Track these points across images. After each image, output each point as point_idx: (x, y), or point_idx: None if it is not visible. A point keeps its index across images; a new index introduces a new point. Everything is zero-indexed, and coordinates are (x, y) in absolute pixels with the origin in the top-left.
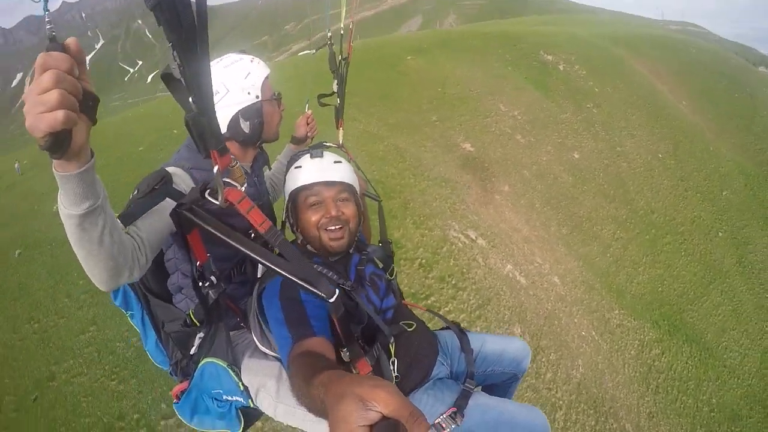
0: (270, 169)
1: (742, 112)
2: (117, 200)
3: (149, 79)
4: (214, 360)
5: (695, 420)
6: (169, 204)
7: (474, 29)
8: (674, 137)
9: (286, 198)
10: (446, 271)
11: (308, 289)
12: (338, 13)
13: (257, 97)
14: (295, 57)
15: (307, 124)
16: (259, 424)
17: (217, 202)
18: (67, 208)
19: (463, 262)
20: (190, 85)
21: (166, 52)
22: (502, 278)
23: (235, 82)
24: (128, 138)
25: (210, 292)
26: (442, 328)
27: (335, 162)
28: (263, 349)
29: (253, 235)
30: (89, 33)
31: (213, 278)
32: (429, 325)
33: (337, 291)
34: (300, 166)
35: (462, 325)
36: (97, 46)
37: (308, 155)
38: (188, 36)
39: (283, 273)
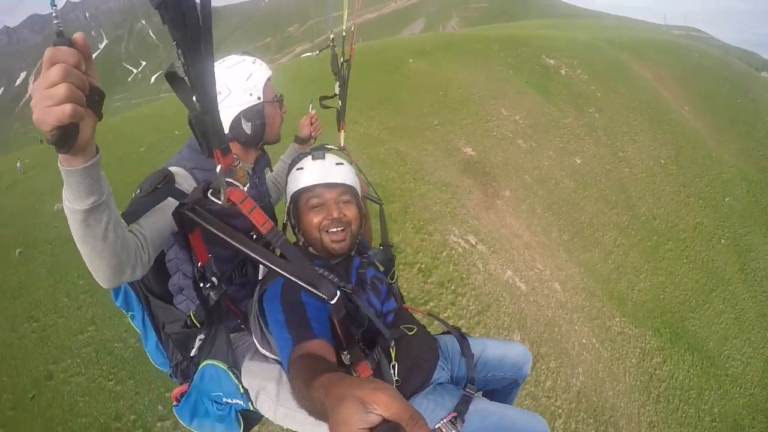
0: (272, 171)
1: (745, 117)
2: (117, 201)
3: (152, 80)
4: (215, 362)
5: (697, 430)
6: (171, 203)
7: (476, 33)
8: (676, 143)
9: (288, 200)
10: (446, 277)
11: (309, 290)
12: (341, 16)
13: (259, 98)
14: (297, 59)
15: (311, 124)
16: (256, 428)
17: (220, 202)
18: (72, 203)
19: (463, 268)
20: (194, 84)
21: (170, 52)
22: (502, 284)
23: (237, 83)
24: (129, 138)
25: (211, 293)
26: (443, 333)
27: (337, 164)
28: (263, 351)
29: (254, 236)
30: (93, 33)
31: (214, 279)
32: (429, 330)
33: (338, 293)
34: (302, 168)
35: (462, 330)
36: (101, 46)
37: (310, 157)
38: (193, 35)
39: (285, 274)
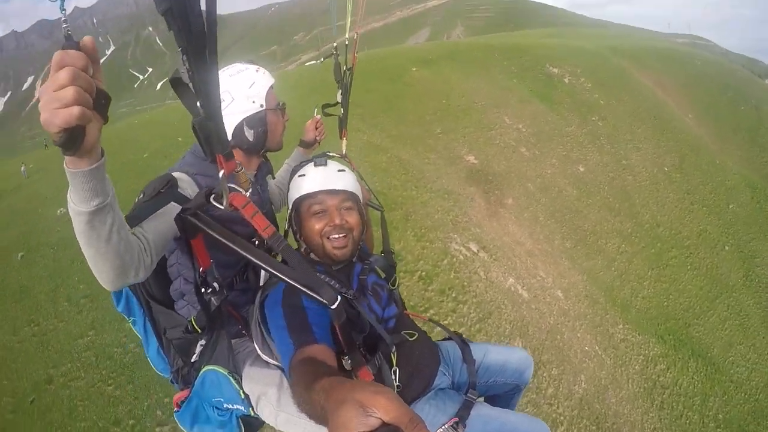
0: (274, 178)
1: (748, 124)
2: (121, 206)
3: (159, 87)
4: (216, 368)
5: None
6: (174, 207)
7: (480, 41)
8: (680, 150)
9: (290, 206)
10: (446, 284)
11: (310, 295)
12: (345, 25)
13: (261, 106)
14: (301, 67)
15: (316, 128)
16: None
17: (222, 207)
18: (77, 205)
19: (464, 276)
20: (198, 90)
21: (177, 59)
22: (504, 292)
23: (240, 90)
24: (133, 144)
25: (212, 298)
26: (444, 339)
27: (339, 170)
28: (264, 357)
29: (256, 242)
30: (100, 39)
31: (215, 284)
32: (431, 336)
33: (339, 298)
34: (304, 175)
35: (464, 335)
36: (108, 52)
37: (312, 164)
38: (198, 41)
39: (286, 279)
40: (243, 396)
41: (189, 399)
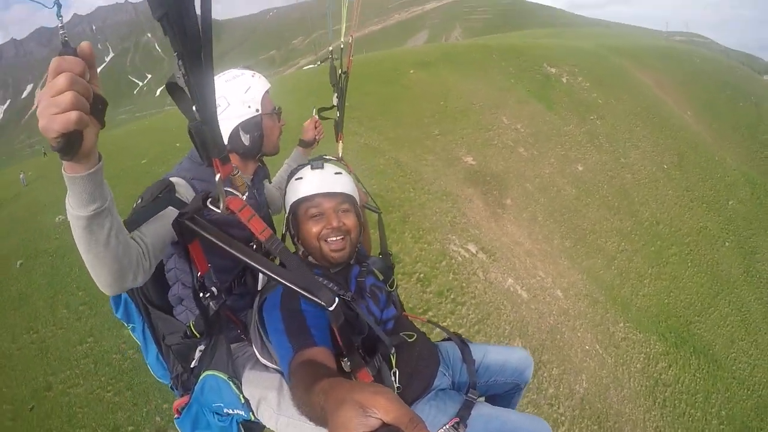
0: (270, 182)
1: (748, 121)
2: (119, 212)
3: (158, 93)
4: (215, 372)
5: None
6: (171, 211)
7: (477, 43)
8: (679, 148)
9: (287, 210)
10: (445, 286)
11: (308, 297)
12: (341, 29)
13: (257, 110)
14: (297, 71)
15: (315, 128)
16: None
17: (219, 210)
18: (76, 210)
19: (463, 277)
20: (194, 94)
21: (175, 65)
22: (503, 292)
23: (236, 95)
24: (131, 151)
25: (211, 303)
26: (444, 339)
27: (336, 173)
28: (264, 361)
29: (254, 246)
30: (99, 45)
31: (214, 289)
32: (430, 338)
33: (337, 299)
34: (301, 178)
35: (463, 336)
36: (107, 59)
37: (309, 167)
38: (193, 46)
39: (283, 281)
40: (243, 400)
41: (189, 405)
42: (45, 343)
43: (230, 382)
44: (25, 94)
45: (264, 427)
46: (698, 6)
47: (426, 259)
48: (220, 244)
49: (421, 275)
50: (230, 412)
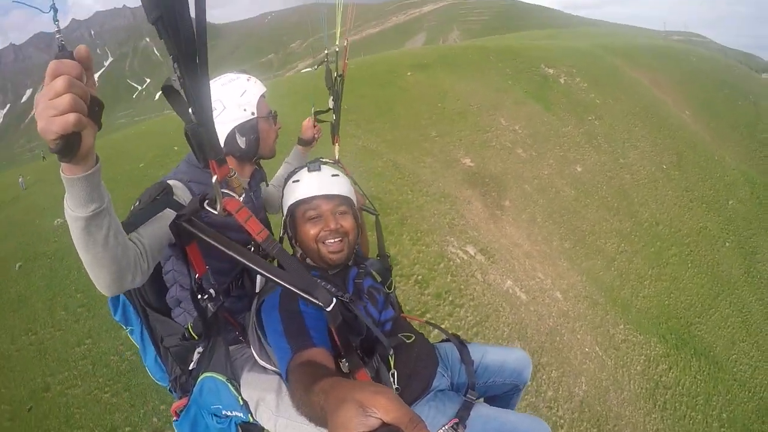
0: (267, 185)
1: (746, 119)
2: (117, 215)
3: (156, 97)
4: (213, 374)
5: None
6: (169, 213)
7: (475, 44)
8: (678, 147)
9: (285, 212)
10: (443, 288)
11: (305, 297)
12: (335, 33)
13: (253, 113)
14: (293, 75)
15: (314, 126)
16: None
17: (216, 212)
18: (74, 211)
19: (461, 279)
20: (189, 97)
21: (171, 67)
22: (502, 294)
23: (232, 99)
24: (129, 154)
25: (209, 305)
26: (442, 341)
27: (333, 175)
28: (262, 363)
29: (251, 248)
30: (98, 50)
31: (211, 291)
32: (428, 338)
33: (334, 300)
34: (298, 180)
35: (462, 337)
36: (106, 64)
37: (306, 169)
38: (188, 49)
39: (280, 282)
40: (241, 402)
41: (187, 407)
42: (43, 344)
43: (229, 384)
44: (24, 98)
45: (262, 428)
46: (693, 4)
47: (424, 261)
48: (218, 245)
49: (420, 277)
50: (229, 413)
